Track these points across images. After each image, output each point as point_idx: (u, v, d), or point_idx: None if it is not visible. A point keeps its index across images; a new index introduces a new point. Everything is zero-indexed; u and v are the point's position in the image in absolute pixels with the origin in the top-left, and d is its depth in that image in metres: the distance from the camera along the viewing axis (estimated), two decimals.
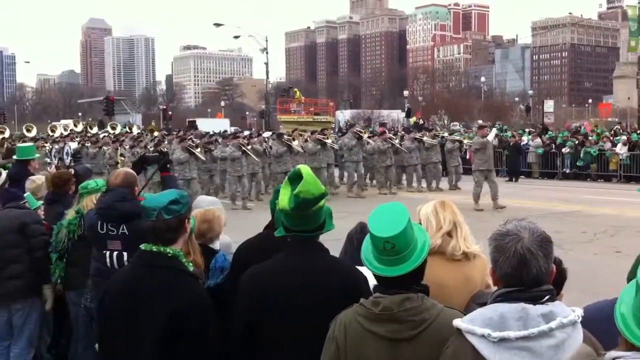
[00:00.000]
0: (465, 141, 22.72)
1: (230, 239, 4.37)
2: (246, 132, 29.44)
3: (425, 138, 20.42)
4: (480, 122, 31.53)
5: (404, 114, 53.72)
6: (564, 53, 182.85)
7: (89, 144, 21.70)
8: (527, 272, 2.07)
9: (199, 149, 17.47)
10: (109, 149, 19.63)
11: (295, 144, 18.45)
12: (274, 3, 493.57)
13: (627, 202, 16.66)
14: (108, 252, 4.30)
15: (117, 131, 30.32)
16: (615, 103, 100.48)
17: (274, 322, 2.80)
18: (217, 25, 48.14)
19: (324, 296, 2.74)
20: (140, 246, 3.04)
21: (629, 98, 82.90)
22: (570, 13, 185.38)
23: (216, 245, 4.16)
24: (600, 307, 2.82)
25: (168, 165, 5.05)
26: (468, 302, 2.98)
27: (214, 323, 2.98)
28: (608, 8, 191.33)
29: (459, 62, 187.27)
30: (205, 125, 31.80)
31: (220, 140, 20.84)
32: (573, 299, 3.36)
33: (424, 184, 19.96)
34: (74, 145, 21.98)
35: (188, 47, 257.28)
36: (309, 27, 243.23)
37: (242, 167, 16.96)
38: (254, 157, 17.39)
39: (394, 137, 20.75)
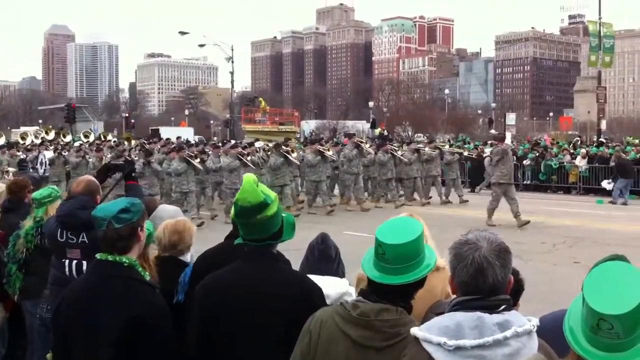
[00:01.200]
0: (466, 153, 22.44)
1: (193, 251, 4.25)
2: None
3: (427, 149, 19.71)
4: (493, 131, 29.97)
5: (369, 125, 54.01)
6: (526, 67, 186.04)
7: (68, 153, 20.50)
8: (483, 280, 2.09)
9: (197, 160, 16.65)
10: (92, 158, 18.59)
11: (294, 155, 17.77)
12: (240, 12, 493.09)
13: (586, 214, 17.00)
14: (67, 261, 4.23)
15: (91, 139, 29.39)
16: (576, 117, 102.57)
17: (226, 330, 2.80)
18: (182, 33, 47.91)
19: (274, 305, 2.75)
20: (96, 255, 3.00)
21: (589, 112, 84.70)
22: (532, 28, 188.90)
23: (187, 257, 4.07)
24: (556, 317, 2.86)
25: (133, 174, 4.97)
26: (427, 311, 3.00)
27: (171, 332, 2.95)
28: (570, 23, 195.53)
29: (424, 74, 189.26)
30: (169, 134, 31.46)
31: (210, 150, 20.00)
32: (532, 309, 3.40)
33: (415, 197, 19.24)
34: (49, 154, 20.73)
35: (152, 55, 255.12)
36: (275, 37, 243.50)
37: (241, 179, 16.18)
38: (253, 168, 16.73)
39: (396, 149, 20.05)
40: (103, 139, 28.99)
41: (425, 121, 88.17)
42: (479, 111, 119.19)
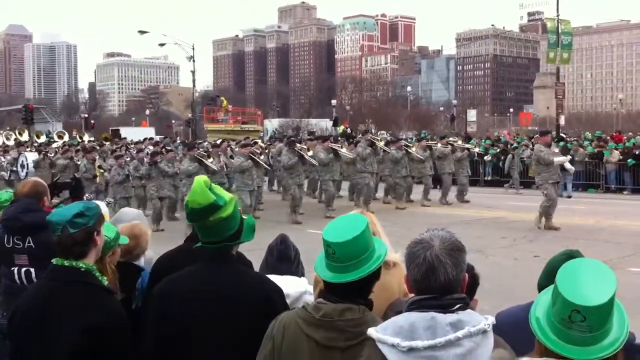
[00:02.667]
0: (476, 149, 21.68)
1: (153, 253, 4.19)
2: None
3: (439, 146, 18.80)
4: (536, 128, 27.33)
5: (332, 123, 54.08)
6: (486, 64, 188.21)
7: (54, 155, 19.18)
8: (435, 279, 2.09)
9: (210, 159, 15.57)
10: (83, 160, 17.33)
11: (310, 154, 16.66)
12: (201, 11, 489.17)
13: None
14: (16, 269, 4.03)
15: (66, 139, 28.15)
16: (536, 112, 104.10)
17: (184, 335, 2.76)
18: (142, 32, 47.33)
19: (232, 308, 2.72)
20: (52, 261, 2.93)
21: (548, 107, 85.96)
22: (492, 25, 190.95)
23: (141, 262, 4.01)
24: (511, 314, 2.90)
25: (81, 192, 4.82)
26: (385, 310, 3.00)
27: (130, 339, 2.90)
28: (529, 20, 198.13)
29: (386, 72, 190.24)
30: (130, 134, 31.01)
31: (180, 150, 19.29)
32: (494, 303, 3.43)
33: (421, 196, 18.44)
34: (32, 156, 19.39)
35: (112, 55, 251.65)
36: (237, 36, 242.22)
37: (254, 180, 15.19)
38: (265, 166, 16.08)
39: (411, 145, 19.04)
40: (80, 140, 27.72)
41: (388, 118, 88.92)
42: (441, 108, 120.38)
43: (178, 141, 30.40)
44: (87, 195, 13.28)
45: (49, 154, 19.22)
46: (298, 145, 16.66)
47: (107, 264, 3.38)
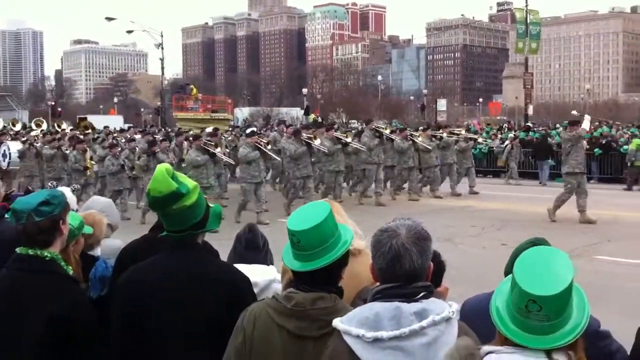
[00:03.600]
0: (480, 139, 21.04)
1: (120, 242, 4.07)
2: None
3: (444, 135, 18.18)
4: (574, 112, 24.54)
5: (302, 112, 54.06)
6: (456, 54, 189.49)
7: (41, 144, 17.80)
8: (400, 267, 2.09)
9: (218, 149, 14.56)
10: (73, 151, 16.18)
11: (317, 142, 15.59)
12: None
13: (514, 197, 17.48)
14: None
15: (44, 127, 26.60)
16: (505, 102, 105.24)
17: (150, 326, 2.71)
18: (109, 19, 46.75)
19: (197, 296, 2.68)
20: (16, 250, 2.87)
21: (516, 97, 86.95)
22: (462, 15, 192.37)
23: (97, 252, 3.93)
24: (480, 300, 2.90)
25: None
26: (354, 298, 3.00)
27: (97, 328, 2.85)
28: (498, 10, 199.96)
29: (357, 61, 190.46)
30: (97, 122, 30.51)
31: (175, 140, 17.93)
32: (461, 290, 3.45)
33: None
34: (15, 145, 18.07)
35: (79, 42, 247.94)
36: (206, 23, 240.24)
37: (261, 172, 14.40)
38: (277, 158, 15.49)
39: (416, 135, 18.15)
40: (58, 128, 26.00)
41: (358, 107, 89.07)
42: (411, 97, 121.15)
43: (164, 130, 29.06)
44: (73, 185, 12.75)
45: (35, 144, 17.96)
46: (304, 134, 15.71)
47: (71, 253, 3.32)
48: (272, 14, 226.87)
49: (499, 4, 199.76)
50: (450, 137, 18.29)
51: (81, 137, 19.36)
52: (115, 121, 45.11)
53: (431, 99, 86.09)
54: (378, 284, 2.21)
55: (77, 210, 4.01)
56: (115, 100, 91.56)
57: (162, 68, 49.31)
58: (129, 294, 2.77)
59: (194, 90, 36.70)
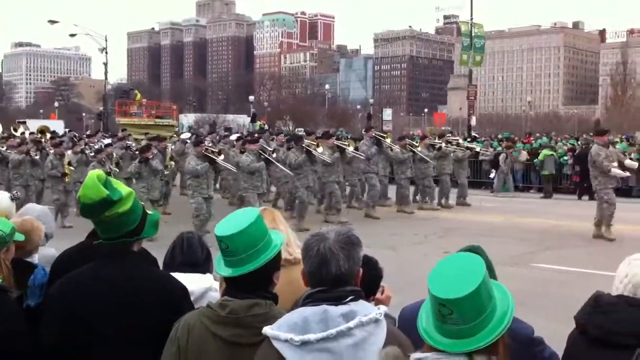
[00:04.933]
0: (478, 149, 20.31)
1: (54, 251, 4.00)
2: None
3: (443, 146, 17.40)
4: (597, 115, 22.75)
5: (249, 119, 53.84)
6: (403, 64, 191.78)
7: (7, 149, 16.45)
8: (327, 271, 2.12)
9: (221, 156, 13.42)
10: (50, 155, 15.18)
11: (319, 150, 14.60)
12: (115, 2, 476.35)
13: (457, 206, 17.69)
14: None
15: None
16: (449, 113, 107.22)
17: (83, 335, 2.65)
18: (52, 22, 45.79)
19: (130, 305, 2.63)
20: None
21: (460, 108, 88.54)
22: (410, 26, 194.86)
23: (34, 259, 3.80)
24: (414, 308, 2.91)
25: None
26: (292, 305, 2.98)
27: (24, 340, 2.75)
28: (445, 23, 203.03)
29: (305, 70, 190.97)
30: (36, 127, 29.47)
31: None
32: (401, 298, 3.46)
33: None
34: None
35: (20, 44, 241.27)
36: (152, 28, 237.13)
37: (263, 181, 13.68)
38: (284, 168, 14.20)
39: (415, 144, 17.15)
40: (15, 132, 23.53)
41: (306, 116, 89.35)
42: (358, 106, 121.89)
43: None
44: (13, 192, 12.02)
45: (0, 148, 16.71)
46: (305, 141, 14.80)
47: (2, 260, 3.21)
48: (221, 21, 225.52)
49: (445, 17, 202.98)
50: (448, 146, 17.68)
51: (53, 141, 17.76)
52: (55, 126, 43.93)
53: (377, 109, 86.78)
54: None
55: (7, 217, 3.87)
56: (56, 104, 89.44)
57: (106, 72, 48.55)
58: (62, 303, 2.70)
59: (138, 95, 36.15)
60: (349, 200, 16.81)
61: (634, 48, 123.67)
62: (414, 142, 17.42)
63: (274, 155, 14.13)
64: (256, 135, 17.95)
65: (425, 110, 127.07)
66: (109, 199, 2.63)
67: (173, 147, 19.19)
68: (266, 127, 40.13)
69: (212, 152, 13.32)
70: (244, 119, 69.58)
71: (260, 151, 13.46)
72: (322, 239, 2.15)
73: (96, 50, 46.20)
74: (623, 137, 31.78)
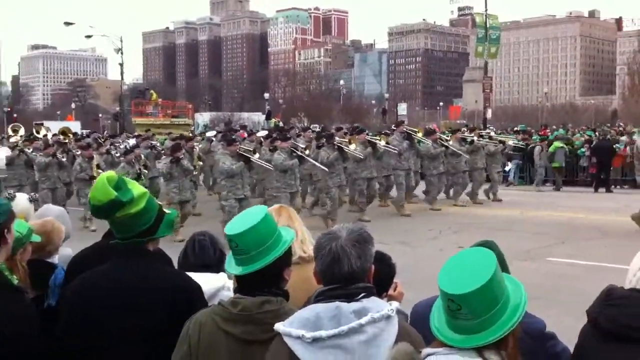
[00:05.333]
0: (511, 142, 19.66)
1: (71, 251, 4.05)
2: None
3: (475, 139, 16.79)
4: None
5: (264, 116, 53.92)
6: (418, 58, 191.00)
7: (33, 150, 16.05)
8: (339, 269, 2.13)
9: (257, 155, 13.04)
10: (78, 158, 14.89)
11: (352, 147, 14.22)
12: (130, 2, 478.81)
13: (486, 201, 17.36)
14: None
15: (22, 133, 24.26)
16: (465, 106, 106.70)
17: (97, 334, 2.68)
18: (68, 24, 46.07)
19: (144, 305, 2.65)
20: None
21: (476, 101, 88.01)
22: (424, 19, 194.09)
23: (55, 259, 3.85)
24: (427, 304, 2.92)
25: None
26: (306, 301, 3.01)
27: (41, 340, 2.78)
28: (459, 15, 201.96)
29: (319, 66, 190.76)
30: (55, 128, 29.71)
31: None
32: (418, 294, 3.46)
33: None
34: (2, 151, 16.88)
35: (36, 47, 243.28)
36: (167, 28, 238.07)
37: (297, 179, 13.37)
38: (318, 164, 13.51)
39: (446, 139, 16.58)
40: (36, 135, 23.67)
41: (320, 112, 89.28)
42: (373, 101, 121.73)
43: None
44: (9, 191, 12.04)
45: (26, 150, 16.26)
46: (337, 138, 14.39)
47: (18, 261, 3.25)
48: (235, 18, 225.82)
49: (459, 9, 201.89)
50: (480, 140, 17.06)
51: (85, 143, 17.87)
52: (73, 127, 44.28)
53: (392, 103, 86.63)
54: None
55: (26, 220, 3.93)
56: (73, 105, 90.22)
57: (122, 73, 48.83)
58: (77, 303, 2.73)
59: (154, 95, 36.39)
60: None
61: None
62: (446, 137, 16.76)
63: (307, 152, 13.68)
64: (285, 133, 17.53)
65: (441, 103, 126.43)
66: (118, 201, 2.65)
67: (200, 146, 18.77)
68: (281, 124, 40.18)
69: (247, 150, 12.91)
70: (258, 117, 69.65)
71: (293, 149, 13.15)
72: (334, 238, 2.16)
73: (112, 51, 46.68)
74: None
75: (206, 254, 3.38)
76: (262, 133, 19.31)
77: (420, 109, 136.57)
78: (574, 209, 15.52)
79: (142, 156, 15.15)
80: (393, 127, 17.45)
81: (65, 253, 4.01)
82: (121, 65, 46.85)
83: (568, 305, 6.90)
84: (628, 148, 19.75)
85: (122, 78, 52.28)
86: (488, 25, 34.98)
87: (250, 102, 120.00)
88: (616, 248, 10.42)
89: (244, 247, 2.39)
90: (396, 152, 14.86)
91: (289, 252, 2.49)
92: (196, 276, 2.99)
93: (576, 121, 71.02)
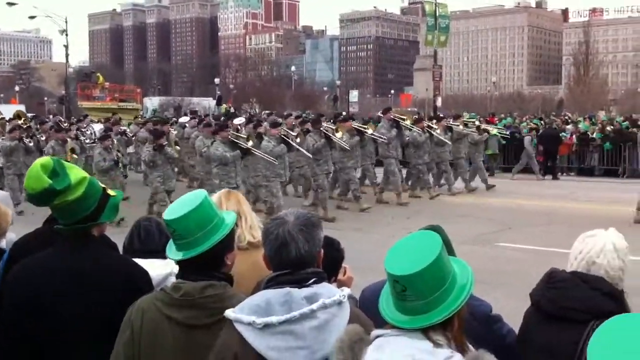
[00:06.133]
0: (495, 131, 19.22)
1: (14, 236, 3.90)
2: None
3: (460, 127, 16.60)
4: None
5: (215, 102, 53.44)
6: (369, 45, 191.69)
7: None
8: (286, 254, 2.12)
9: (250, 142, 12.35)
10: (51, 141, 14.13)
11: (338, 136, 13.82)
12: None
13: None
14: None
15: None
16: (416, 94, 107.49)
17: (37, 319, 2.62)
18: (10, 4, 44.81)
19: (87, 291, 2.61)
20: None
21: (427, 89, 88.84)
22: (375, 7, 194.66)
23: (2, 243, 3.79)
24: (376, 288, 2.94)
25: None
26: (255, 287, 2.99)
27: None
28: (410, 3, 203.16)
29: (271, 51, 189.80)
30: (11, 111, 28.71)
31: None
32: (370, 278, 3.48)
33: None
34: None
35: None
36: (114, 10, 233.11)
37: (286, 169, 13.07)
38: (306, 153, 13.07)
39: (434, 127, 16.03)
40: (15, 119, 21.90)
41: (272, 98, 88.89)
42: (325, 88, 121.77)
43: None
44: None
45: None
46: (324, 124, 13.95)
47: None
48: (184, 1, 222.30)
49: None
50: (465, 129, 16.80)
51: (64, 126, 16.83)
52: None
53: (344, 90, 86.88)
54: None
55: None
56: (17, 88, 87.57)
57: (67, 55, 47.79)
58: (18, 289, 2.68)
59: (100, 79, 35.61)
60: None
61: (596, 27, 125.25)
62: (432, 125, 16.32)
63: (297, 140, 12.95)
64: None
65: (392, 91, 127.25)
66: (52, 189, 2.59)
67: (175, 132, 17.64)
68: (232, 109, 39.85)
69: (238, 137, 12.25)
70: (209, 102, 68.99)
71: (284, 136, 12.57)
72: (281, 223, 2.15)
73: (57, 32, 45.41)
74: (586, 116, 32.26)
75: (152, 240, 3.31)
76: (238, 120, 18.45)
77: (372, 97, 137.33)
78: (522, 195, 15.88)
79: (116, 142, 14.53)
80: (379, 114, 17.03)
81: (9, 238, 3.91)
82: (66, 47, 45.88)
83: (514, 288, 7.06)
84: (574, 136, 20.27)
85: (67, 60, 51.22)
86: (438, 14, 35.33)
87: (200, 87, 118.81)
88: (560, 233, 10.69)
89: (182, 232, 2.37)
90: (385, 141, 14.50)
91: (230, 236, 2.47)
92: (142, 262, 2.94)
93: (523, 110, 72.50)
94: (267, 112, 53.40)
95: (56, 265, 2.65)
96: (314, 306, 2.03)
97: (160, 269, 3.18)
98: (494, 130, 19.37)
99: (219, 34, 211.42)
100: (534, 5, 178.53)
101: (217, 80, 72.15)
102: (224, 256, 2.45)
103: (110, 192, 2.82)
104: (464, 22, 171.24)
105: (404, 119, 15.56)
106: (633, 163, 20.31)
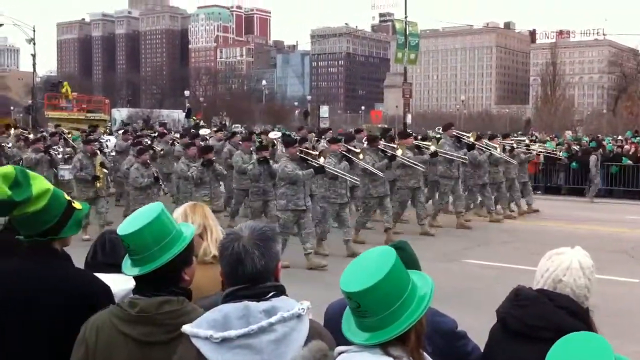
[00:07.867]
0: (551, 151, 17.82)
1: None
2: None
3: (514, 145, 15.55)
4: None
5: (184, 114, 53.14)
6: (340, 61, 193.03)
7: (13, 144, 14.42)
8: (242, 269, 2.08)
9: (322, 159, 10.63)
10: (79, 153, 13.01)
11: (399, 153, 12.47)
12: None
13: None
14: None
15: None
16: (386, 110, 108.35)
17: None
18: None
19: (45, 307, 2.53)
20: None
21: (397, 106, 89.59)
22: (346, 24, 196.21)
23: None
24: (341, 304, 2.91)
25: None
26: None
27: None
28: (380, 21, 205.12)
29: (242, 65, 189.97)
30: None
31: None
32: (336, 294, 3.45)
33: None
34: None
35: None
36: (83, 19, 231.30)
37: (347, 190, 11.51)
38: (374, 170, 11.72)
39: (496, 146, 14.72)
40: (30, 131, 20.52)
41: (242, 112, 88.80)
42: (296, 103, 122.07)
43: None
44: None
45: (7, 146, 14.64)
46: (381, 142, 12.72)
47: None
48: (154, 13, 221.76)
49: (381, 15, 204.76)
50: (519, 147, 15.69)
51: (90, 137, 15.59)
52: None
53: (315, 106, 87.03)
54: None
55: None
56: None
57: (34, 64, 47.24)
58: None
59: (66, 88, 35.17)
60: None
61: (562, 49, 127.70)
62: (492, 143, 14.94)
63: (322, 160, 10.62)
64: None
65: (363, 107, 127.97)
66: (10, 200, 2.51)
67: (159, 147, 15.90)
68: (202, 122, 39.69)
69: (309, 153, 10.69)
70: (178, 114, 68.56)
71: (344, 152, 11.20)
72: (236, 238, 2.11)
73: (24, 41, 44.82)
74: (553, 136, 32.75)
75: (117, 253, 3.23)
76: (275, 135, 17.08)
77: (343, 112, 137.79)
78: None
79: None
80: (438, 130, 15.94)
81: None
82: (33, 56, 45.37)
83: (480, 305, 7.07)
84: (541, 156, 20.49)
85: (34, 70, 50.60)
86: (408, 32, 35.64)
87: (170, 99, 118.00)
88: (526, 251, 10.81)
89: (136, 247, 2.31)
90: (466, 160, 13.62)
91: (188, 251, 2.40)
92: (105, 277, 2.86)
93: (492, 129, 73.34)
94: (236, 125, 53.25)
95: (12, 277, 2.58)
96: (272, 319, 2.00)
97: (123, 283, 3.10)
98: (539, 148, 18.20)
99: (190, 46, 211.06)
100: (502, 25, 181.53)
101: (187, 93, 71.94)
102: (181, 271, 2.39)
103: (77, 205, 2.75)
104: (433, 41, 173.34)
105: (468, 135, 14.38)
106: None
